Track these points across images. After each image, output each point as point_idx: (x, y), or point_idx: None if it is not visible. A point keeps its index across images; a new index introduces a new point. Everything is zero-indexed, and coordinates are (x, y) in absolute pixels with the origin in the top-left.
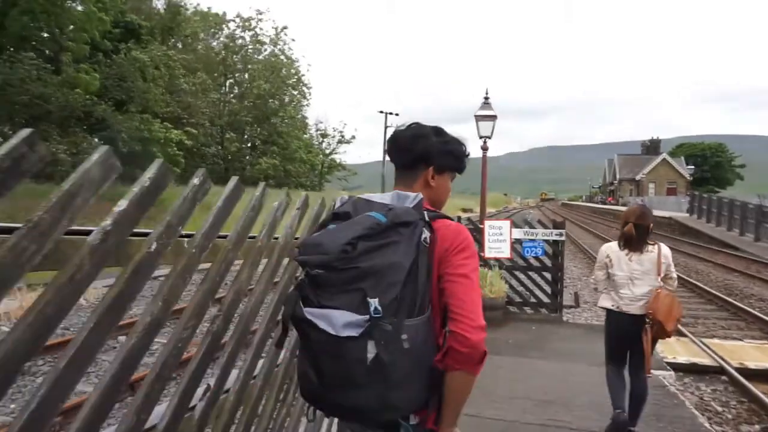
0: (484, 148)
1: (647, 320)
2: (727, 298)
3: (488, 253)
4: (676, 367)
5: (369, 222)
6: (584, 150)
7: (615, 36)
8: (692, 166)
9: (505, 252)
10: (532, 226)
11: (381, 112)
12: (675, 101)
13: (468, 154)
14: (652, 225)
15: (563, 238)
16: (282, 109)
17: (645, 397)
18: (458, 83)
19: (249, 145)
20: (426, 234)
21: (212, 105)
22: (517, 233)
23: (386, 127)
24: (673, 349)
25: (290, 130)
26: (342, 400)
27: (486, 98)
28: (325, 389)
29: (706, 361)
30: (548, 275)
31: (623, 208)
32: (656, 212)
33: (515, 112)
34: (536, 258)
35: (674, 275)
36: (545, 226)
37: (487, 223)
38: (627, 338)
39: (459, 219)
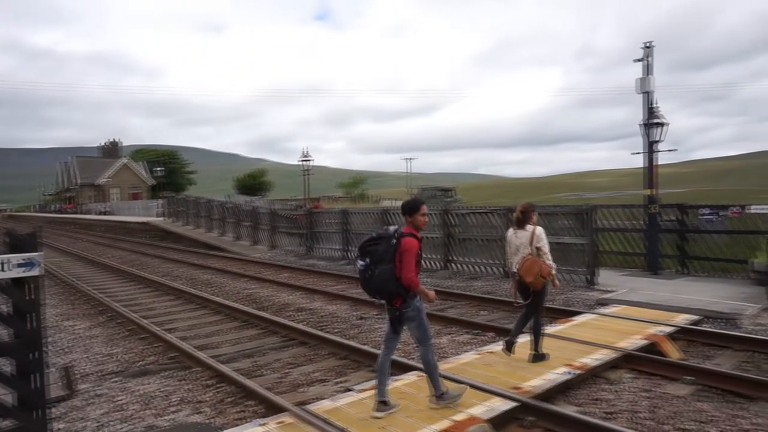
0: None
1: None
2: (270, 317)
3: None
4: None
5: (374, 239)
6: (33, 154)
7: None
8: (162, 168)
9: None
10: None
11: None
12: (128, 109)
13: (421, 203)
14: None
15: (36, 272)
16: None
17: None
18: None
19: None
20: (395, 242)
21: None
22: None
23: None
24: None
25: None
26: (370, 288)
27: None
28: (366, 284)
29: None
30: (7, 362)
31: (88, 217)
32: (129, 218)
33: None
34: None
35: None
36: None
37: None
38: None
39: None
